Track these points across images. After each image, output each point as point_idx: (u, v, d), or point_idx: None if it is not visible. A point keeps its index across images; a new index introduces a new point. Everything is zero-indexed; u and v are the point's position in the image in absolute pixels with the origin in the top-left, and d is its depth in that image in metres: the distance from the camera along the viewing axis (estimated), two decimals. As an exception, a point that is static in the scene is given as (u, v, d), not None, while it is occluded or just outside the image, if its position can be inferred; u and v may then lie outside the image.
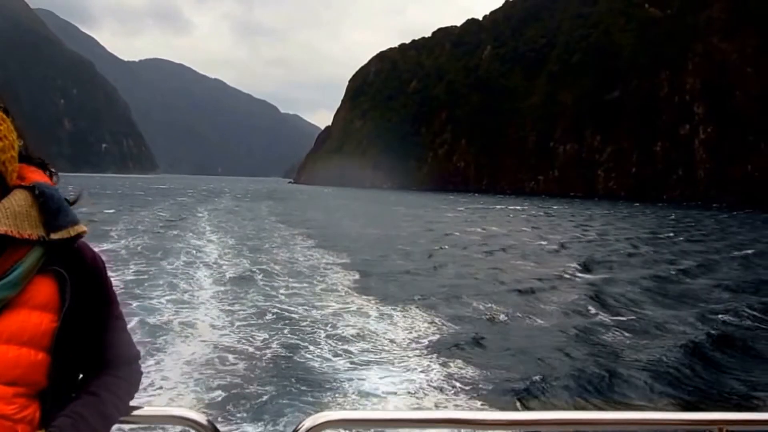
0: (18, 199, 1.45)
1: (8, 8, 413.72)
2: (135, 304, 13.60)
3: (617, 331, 13.24)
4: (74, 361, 1.49)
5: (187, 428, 1.58)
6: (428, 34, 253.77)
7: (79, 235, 1.51)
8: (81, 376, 1.55)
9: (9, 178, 1.46)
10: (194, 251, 25.23)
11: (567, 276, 21.29)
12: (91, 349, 1.52)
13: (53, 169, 1.57)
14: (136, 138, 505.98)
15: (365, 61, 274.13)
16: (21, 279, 1.42)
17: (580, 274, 21.74)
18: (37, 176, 1.51)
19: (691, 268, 23.90)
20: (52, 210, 1.47)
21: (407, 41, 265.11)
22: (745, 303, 16.63)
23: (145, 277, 18.22)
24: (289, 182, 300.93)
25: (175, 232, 32.90)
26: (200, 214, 48.28)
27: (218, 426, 1.59)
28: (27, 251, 1.44)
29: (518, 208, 78.48)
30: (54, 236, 1.46)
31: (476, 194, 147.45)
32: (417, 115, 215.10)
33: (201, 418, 1.58)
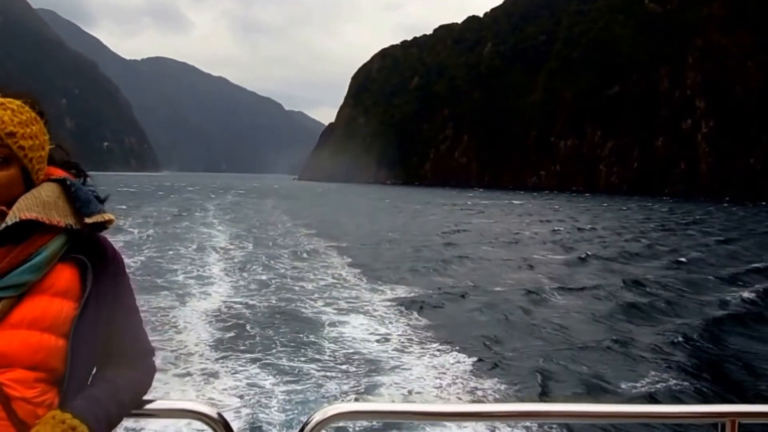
0: (46, 189, 1.52)
1: (9, 8, 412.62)
2: (141, 294, 13.55)
3: (627, 322, 13.22)
4: (91, 350, 1.51)
5: (197, 421, 1.58)
6: (429, 31, 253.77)
7: (110, 222, 1.57)
8: (96, 365, 1.56)
9: (35, 176, 1.54)
10: (203, 240, 26.01)
11: (577, 267, 21.31)
12: (108, 340, 1.55)
13: (84, 170, 1.65)
14: (138, 136, 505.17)
15: (367, 59, 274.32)
16: (45, 264, 1.46)
17: (590, 265, 21.77)
18: (63, 174, 1.59)
19: (704, 259, 23.82)
20: (82, 199, 1.54)
21: (407, 38, 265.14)
22: (758, 292, 16.48)
23: (152, 266, 18.47)
24: (294, 179, 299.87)
25: (185, 224, 33.57)
26: (208, 210, 48.31)
27: (228, 419, 1.58)
28: (51, 238, 1.49)
29: (522, 202, 78.33)
30: (88, 221, 1.52)
31: (478, 190, 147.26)
32: (419, 112, 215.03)
33: (211, 412, 1.58)
